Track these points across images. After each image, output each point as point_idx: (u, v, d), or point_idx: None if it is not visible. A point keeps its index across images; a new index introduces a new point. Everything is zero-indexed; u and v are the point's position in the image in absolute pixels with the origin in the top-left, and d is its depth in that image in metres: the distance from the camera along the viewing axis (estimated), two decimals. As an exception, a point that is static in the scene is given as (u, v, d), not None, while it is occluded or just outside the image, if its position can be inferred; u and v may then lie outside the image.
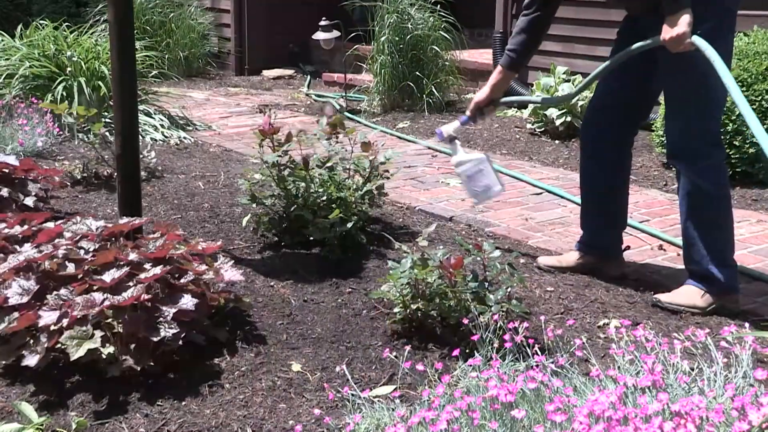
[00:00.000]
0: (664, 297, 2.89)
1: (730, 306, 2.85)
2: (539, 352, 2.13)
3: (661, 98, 3.77)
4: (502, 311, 2.47)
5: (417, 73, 6.58)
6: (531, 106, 5.76)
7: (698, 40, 2.58)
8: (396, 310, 2.62)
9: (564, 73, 5.80)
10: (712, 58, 2.51)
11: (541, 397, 1.86)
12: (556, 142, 5.52)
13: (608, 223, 3.19)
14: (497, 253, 2.63)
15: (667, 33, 2.62)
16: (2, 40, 5.89)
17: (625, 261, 3.24)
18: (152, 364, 2.27)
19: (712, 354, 1.99)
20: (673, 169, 3.99)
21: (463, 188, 3.31)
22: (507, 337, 2.19)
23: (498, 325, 2.31)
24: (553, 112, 5.51)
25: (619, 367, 2.01)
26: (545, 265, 3.22)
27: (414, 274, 2.55)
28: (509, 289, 2.57)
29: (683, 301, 2.86)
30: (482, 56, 7.28)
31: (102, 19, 7.46)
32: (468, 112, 3.25)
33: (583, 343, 2.28)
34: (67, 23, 6.17)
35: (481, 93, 3.20)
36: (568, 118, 5.50)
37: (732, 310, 2.84)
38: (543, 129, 5.73)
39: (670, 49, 2.66)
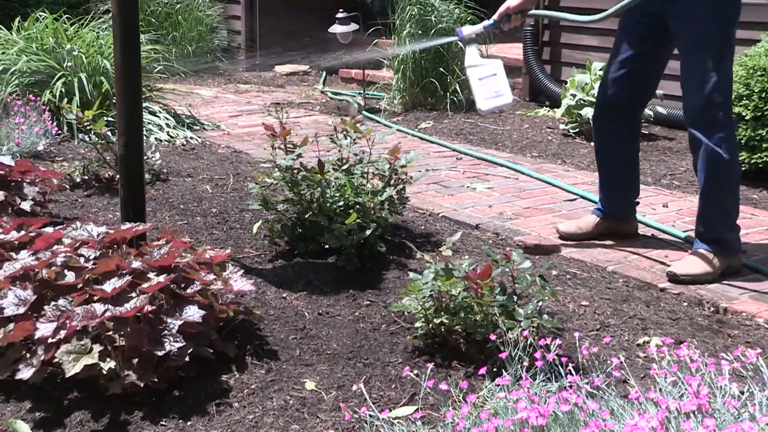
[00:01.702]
0: (678, 270, 3.22)
1: (735, 264, 3.29)
2: (573, 372, 2.12)
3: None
4: (533, 327, 2.46)
5: (441, 69, 6.58)
6: (564, 106, 5.74)
7: None
8: (417, 324, 2.61)
9: (600, 69, 5.78)
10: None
11: (575, 420, 1.85)
12: (592, 144, 5.49)
13: (625, 191, 3.67)
14: (527, 263, 2.62)
15: None
16: (-1, 33, 5.96)
17: (636, 219, 3.75)
18: (156, 380, 2.28)
19: (764, 376, 1.97)
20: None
21: (473, 92, 3.48)
22: (538, 354, 2.18)
23: (528, 342, 2.30)
24: (588, 112, 5.49)
25: (660, 390, 1.99)
26: (564, 232, 3.64)
27: (437, 286, 2.55)
28: (540, 303, 2.56)
29: (698, 270, 3.22)
30: (512, 51, 7.28)
31: (104, 9, 7.54)
32: (495, 16, 3.43)
33: (621, 362, 2.26)
34: (67, 15, 6.23)
35: (515, 0, 3.40)
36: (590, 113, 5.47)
37: (736, 269, 3.28)
38: (577, 130, 5.71)
39: None
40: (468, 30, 3.41)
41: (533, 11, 3.47)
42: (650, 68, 3.46)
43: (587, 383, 2.04)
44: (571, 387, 2.02)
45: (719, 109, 3.18)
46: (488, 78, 3.36)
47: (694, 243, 3.36)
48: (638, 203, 3.74)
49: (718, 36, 3.19)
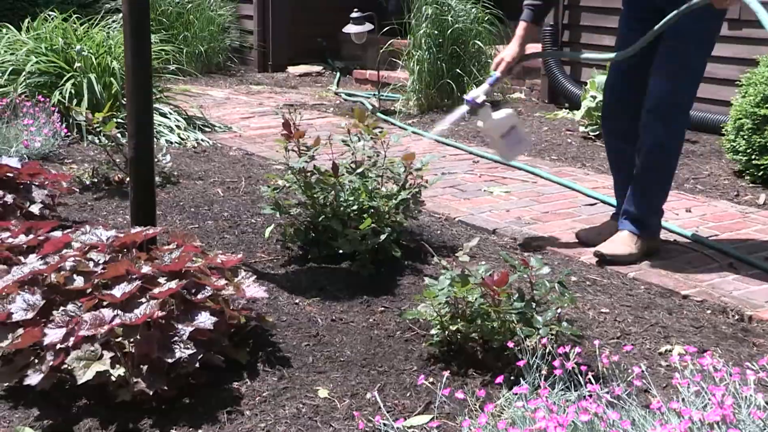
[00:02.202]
0: (605, 249, 3.43)
1: (654, 246, 3.52)
2: (593, 381, 2.12)
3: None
4: (552, 334, 2.46)
5: (457, 70, 6.58)
6: (584, 108, 5.73)
7: None
8: (433, 331, 2.61)
9: (621, 71, 5.77)
10: (757, 10, 2.92)
11: (595, 430, 1.84)
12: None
13: None
14: (546, 269, 2.61)
15: None
16: (7, 34, 6.00)
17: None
18: (166, 387, 2.29)
19: (789, 386, 1.96)
20: (743, 180, 4.27)
21: (494, 148, 3.64)
22: (557, 363, 2.17)
23: (547, 350, 2.29)
24: (608, 114, 5.47)
25: (683, 399, 1.98)
26: (585, 237, 3.66)
27: (453, 292, 2.55)
28: (559, 310, 2.56)
29: (621, 251, 3.43)
30: (530, 51, 7.26)
31: (114, 7, 7.58)
32: (498, 73, 3.59)
33: (643, 371, 2.25)
34: (77, 15, 6.27)
35: (511, 50, 3.59)
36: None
37: (656, 249, 3.51)
38: (597, 132, 5.70)
39: (716, 4, 3.14)
40: (477, 93, 3.50)
41: (533, 52, 3.72)
42: (650, 62, 3.50)
43: (607, 392, 2.03)
44: (590, 396, 2.01)
45: (682, 102, 3.35)
46: (510, 132, 3.52)
47: (619, 222, 3.55)
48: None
49: (703, 29, 3.29)
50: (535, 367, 2.26)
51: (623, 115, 3.56)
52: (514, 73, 3.63)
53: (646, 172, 3.46)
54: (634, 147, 3.54)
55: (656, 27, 3.30)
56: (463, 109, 3.60)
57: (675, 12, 3.22)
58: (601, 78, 5.67)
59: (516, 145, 3.61)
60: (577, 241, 3.69)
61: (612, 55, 3.51)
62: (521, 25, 3.61)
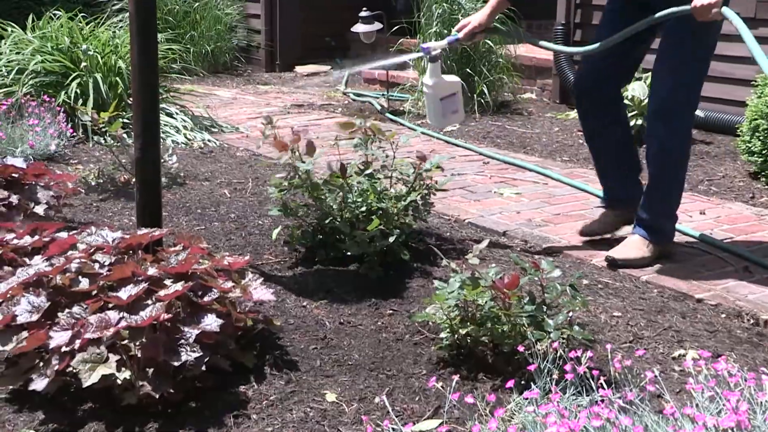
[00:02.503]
0: (617, 254, 3.44)
1: (667, 250, 3.52)
2: (605, 386, 2.11)
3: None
4: (563, 338, 2.45)
5: (467, 70, 6.58)
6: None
7: (727, 11, 3.06)
8: (442, 335, 2.62)
9: (634, 70, 5.76)
10: (740, 27, 2.96)
11: (607, 436, 1.84)
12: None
13: (626, 172, 3.71)
14: (557, 272, 2.61)
15: (697, 1, 3.10)
16: (13, 33, 6.02)
17: None
18: (172, 391, 2.29)
19: (805, 391, 1.95)
20: (757, 181, 4.28)
21: (428, 109, 3.67)
22: (568, 367, 2.17)
23: (558, 354, 2.29)
24: (621, 114, 5.46)
25: (697, 405, 1.98)
26: (587, 230, 3.71)
27: (463, 295, 2.55)
28: (571, 314, 2.55)
29: (634, 255, 3.44)
30: (541, 51, 7.25)
31: (121, 6, 7.60)
32: (461, 34, 3.65)
33: (656, 376, 2.25)
34: (82, 14, 6.30)
35: (481, 16, 3.63)
36: (639, 121, 5.46)
37: (669, 252, 3.53)
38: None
39: (697, 17, 3.14)
40: (434, 45, 3.61)
41: (501, 30, 3.89)
42: (635, 54, 3.59)
43: (620, 398, 2.03)
44: (602, 401, 2.01)
45: (684, 100, 3.34)
46: (448, 97, 3.58)
47: (633, 227, 3.55)
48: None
49: (702, 24, 3.21)
50: (546, 371, 2.25)
51: (599, 103, 3.60)
52: (476, 39, 3.73)
53: (655, 178, 3.46)
54: (615, 131, 3.64)
55: (632, 26, 3.33)
56: (417, 54, 3.79)
57: (655, 15, 3.26)
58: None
59: (451, 114, 3.65)
60: (587, 242, 3.68)
61: (587, 48, 3.56)
62: None
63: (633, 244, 3.49)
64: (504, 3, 3.68)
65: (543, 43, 3.74)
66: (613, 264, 3.43)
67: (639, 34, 3.38)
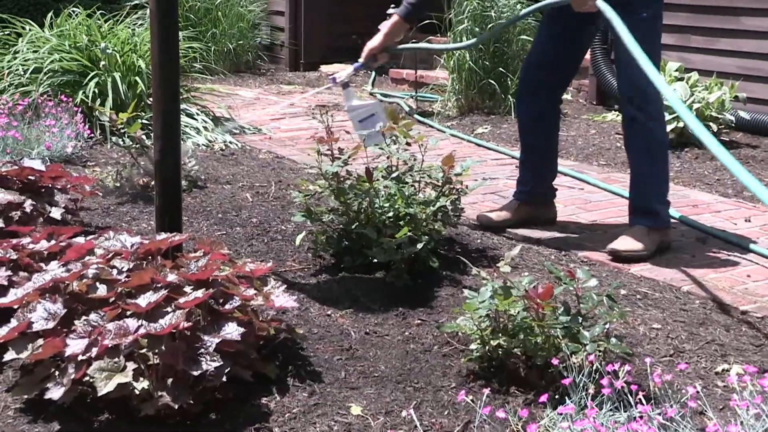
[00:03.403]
0: (619, 246, 3.58)
1: (666, 239, 3.70)
2: (644, 401, 2.10)
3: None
4: (599, 351, 2.44)
5: (500, 69, 6.57)
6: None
7: (601, 4, 3.37)
8: (473, 346, 2.61)
9: (676, 70, 5.73)
10: (614, 21, 3.27)
11: (645, 454, 1.83)
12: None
13: (546, 171, 4.05)
14: (593, 282, 2.60)
15: None
16: (30, 30, 6.09)
17: (555, 205, 4.11)
18: (191, 402, 2.30)
19: None
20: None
21: (354, 131, 3.87)
22: (605, 381, 2.16)
23: (594, 368, 2.28)
24: (661, 116, 5.43)
25: (741, 423, 1.96)
26: (483, 221, 3.94)
27: (494, 305, 2.55)
28: (607, 325, 2.54)
29: (636, 246, 3.58)
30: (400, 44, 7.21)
31: (140, 3, 7.67)
32: (361, 59, 3.90)
33: (698, 391, 2.24)
34: (101, 11, 6.36)
35: (375, 40, 3.88)
36: (681, 124, 5.42)
37: (668, 244, 3.69)
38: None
39: (575, 7, 3.51)
40: (341, 74, 3.84)
41: (400, 46, 4.04)
42: (583, 44, 3.90)
43: (659, 414, 2.02)
44: (641, 417, 2.00)
45: (649, 84, 3.41)
46: (367, 119, 3.74)
47: (630, 219, 3.75)
48: (556, 189, 4.13)
49: (649, 16, 3.55)
50: (581, 385, 2.25)
51: (540, 96, 3.87)
52: (379, 61, 3.96)
53: (643, 163, 3.69)
54: (550, 127, 3.98)
55: (514, 17, 3.79)
56: (327, 85, 4.08)
57: (539, 4, 3.70)
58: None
59: (373, 137, 3.73)
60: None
61: (473, 41, 3.98)
62: (393, 18, 3.89)
63: (634, 234, 3.64)
64: (401, 25, 3.88)
65: (432, 45, 4.26)
66: (616, 256, 3.57)
67: (571, 34, 3.75)
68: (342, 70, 3.90)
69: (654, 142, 3.65)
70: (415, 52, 6.86)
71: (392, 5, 7.07)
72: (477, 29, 6.54)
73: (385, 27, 3.91)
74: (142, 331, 2.30)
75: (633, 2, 3.54)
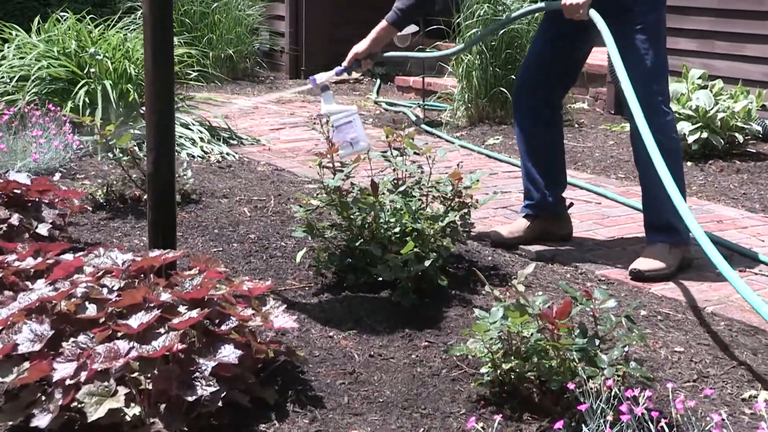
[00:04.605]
0: (641, 266, 3.59)
1: (687, 257, 3.70)
2: (666, 429, 2.10)
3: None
4: (618, 375, 2.44)
5: (512, 76, 6.57)
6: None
7: (593, 13, 3.50)
8: (483, 370, 2.61)
9: (700, 78, 5.73)
10: (604, 32, 3.41)
11: (667, 485, 1.82)
12: (688, 164, 5.43)
13: (552, 182, 4.04)
14: (612, 302, 2.60)
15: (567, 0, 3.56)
16: (17, 36, 6.12)
17: (570, 219, 4.10)
18: (185, 429, 2.31)
19: None
20: None
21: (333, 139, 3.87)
22: (624, 408, 2.16)
23: (612, 393, 2.28)
24: (683, 128, 5.44)
25: (768, 451, 1.96)
26: (495, 239, 3.93)
27: (507, 326, 2.55)
28: (627, 348, 2.54)
29: (658, 265, 3.60)
30: (595, 56, 7.23)
31: (133, 6, 7.70)
32: (345, 63, 4.02)
33: (723, 419, 2.23)
34: (91, 15, 6.39)
35: (361, 45, 4.01)
36: (704, 134, 5.43)
37: (689, 262, 3.70)
38: (671, 147, 5.66)
39: (566, 14, 3.60)
40: (321, 76, 3.95)
41: (385, 54, 4.19)
42: (582, 50, 3.96)
43: (682, 443, 2.01)
44: (662, 447, 1.99)
45: (657, 95, 3.61)
46: (343, 125, 3.78)
47: (647, 236, 3.76)
48: (572, 204, 4.15)
49: (653, 20, 3.62)
50: (599, 412, 2.24)
51: (536, 84, 3.92)
52: (363, 67, 4.10)
53: (653, 176, 3.59)
54: (552, 134, 4.02)
55: (504, 19, 3.81)
56: (308, 86, 4.20)
57: (531, 7, 3.84)
58: (676, 86, 5.65)
59: (351, 143, 3.80)
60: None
61: (460, 47, 4.09)
62: (381, 24, 4.01)
63: (654, 253, 3.64)
64: (390, 31, 4.02)
65: (420, 54, 4.53)
66: (639, 276, 3.56)
67: (568, 40, 3.82)
68: (323, 73, 4.00)
69: (667, 154, 3.59)
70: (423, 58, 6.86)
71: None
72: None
73: (373, 33, 4.01)
74: (133, 353, 2.30)
75: (633, 8, 3.60)
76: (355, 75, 8.72)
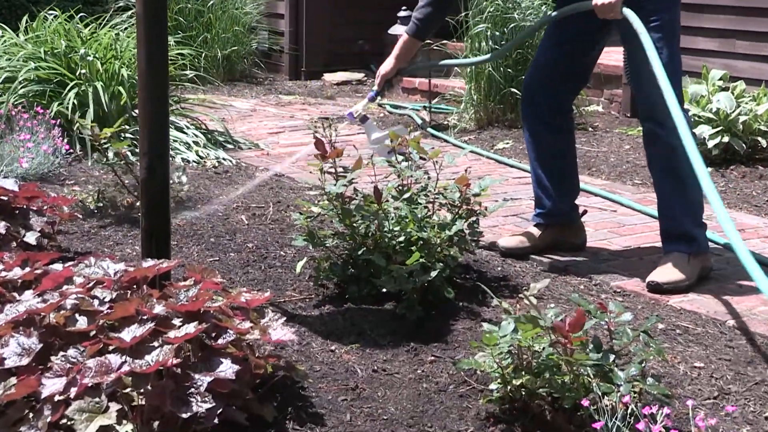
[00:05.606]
0: (659, 278, 3.58)
1: (707, 266, 3.71)
2: (684, 448, 2.10)
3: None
4: (635, 392, 2.44)
5: (523, 78, 6.58)
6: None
7: (628, 12, 3.48)
8: (492, 386, 2.61)
9: (720, 79, 5.73)
10: (640, 31, 3.39)
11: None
12: (709, 169, 5.41)
13: (564, 188, 4.05)
14: (627, 315, 2.60)
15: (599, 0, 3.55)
16: (3, 36, 6.14)
17: (584, 228, 4.09)
18: (180, 447, 2.31)
19: None
20: None
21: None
22: (641, 426, 2.16)
23: (629, 411, 2.28)
24: (703, 131, 5.44)
25: (792, 472, 1.96)
26: (506, 248, 3.93)
27: (517, 340, 2.55)
28: (644, 364, 2.54)
29: (676, 277, 3.59)
30: (610, 56, 7.25)
31: (125, 5, 7.72)
32: (376, 87, 4.08)
33: (744, 437, 2.24)
34: (81, 14, 6.41)
35: (387, 65, 4.04)
36: (725, 138, 5.43)
37: (709, 271, 3.71)
38: (690, 152, 5.66)
39: (599, 14, 3.58)
40: (357, 108, 4.00)
41: (413, 66, 4.27)
42: (591, 53, 3.97)
43: (702, 462, 2.02)
44: (681, 467, 1.99)
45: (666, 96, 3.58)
46: (389, 152, 3.77)
47: (664, 245, 3.75)
48: (586, 211, 4.15)
49: (667, 20, 3.63)
50: (614, 430, 2.24)
51: (545, 87, 3.93)
52: (395, 86, 4.14)
53: (666, 182, 3.73)
54: (561, 139, 4.02)
55: (528, 29, 3.77)
56: (346, 121, 4.33)
57: (557, 11, 3.81)
58: (696, 88, 5.65)
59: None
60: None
61: (487, 56, 4.14)
62: (402, 38, 4.03)
63: (672, 263, 3.64)
64: (413, 43, 4.03)
65: (446, 61, 4.52)
66: (657, 288, 3.56)
67: (578, 43, 3.85)
68: (357, 104, 4.02)
69: (677, 161, 3.56)
70: (427, 58, 6.88)
71: (403, 7, 7.13)
72: (497, 33, 6.56)
73: (396, 49, 4.02)
74: (126, 368, 2.31)
75: (647, 6, 3.59)
76: (357, 76, 8.76)
